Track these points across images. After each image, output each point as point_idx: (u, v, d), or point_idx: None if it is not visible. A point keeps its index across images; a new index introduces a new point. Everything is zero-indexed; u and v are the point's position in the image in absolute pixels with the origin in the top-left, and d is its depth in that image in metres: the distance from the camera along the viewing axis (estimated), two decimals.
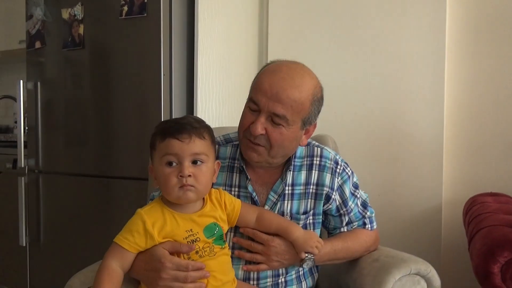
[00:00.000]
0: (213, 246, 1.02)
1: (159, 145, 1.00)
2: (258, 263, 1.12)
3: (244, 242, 1.13)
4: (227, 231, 1.13)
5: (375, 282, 1.14)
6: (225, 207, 1.07)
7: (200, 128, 1.01)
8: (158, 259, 0.97)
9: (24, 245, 2.25)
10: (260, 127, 1.05)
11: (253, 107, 1.08)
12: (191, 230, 1.00)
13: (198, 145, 0.99)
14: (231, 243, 1.14)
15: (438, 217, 1.98)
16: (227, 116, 2.05)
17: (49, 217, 2.20)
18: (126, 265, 1.00)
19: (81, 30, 1.99)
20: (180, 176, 0.97)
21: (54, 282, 2.12)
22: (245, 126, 1.09)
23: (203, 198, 1.06)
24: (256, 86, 1.09)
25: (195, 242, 1.00)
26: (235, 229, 1.14)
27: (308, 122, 1.12)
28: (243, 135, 1.11)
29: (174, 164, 0.98)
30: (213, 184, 1.10)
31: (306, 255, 1.11)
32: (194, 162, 0.99)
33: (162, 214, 1.01)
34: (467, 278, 1.78)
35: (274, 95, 1.04)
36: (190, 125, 1.00)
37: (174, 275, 0.96)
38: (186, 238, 1.00)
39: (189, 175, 0.97)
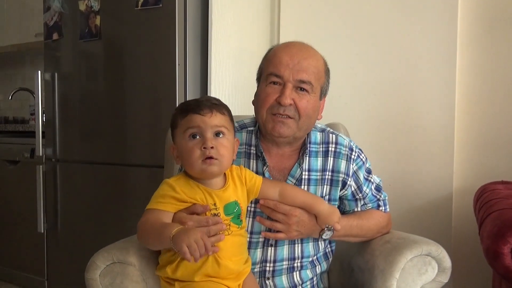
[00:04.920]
0: (230, 224, 1.04)
1: (180, 122, 1.03)
2: (277, 232, 1.13)
3: (266, 209, 1.13)
4: (249, 205, 1.14)
5: (387, 262, 1.17)
6: (246, 182, 1.10)
7: (220, 105, 1.06)
8: (179, 220, 1.00)
9: (42, 231, 2.32)
10: (289, 97, 1.10)
11: (275, 79, 1.11)
12: (215, 204, 1.03)
13: (219, 118, 1.03)
14: (250, 227, 1.16)
15: (449, 206, 1.99)
16: (240, 105, 2.08)
17: (66, 204, 2.26)
18: None
19: (97, 21, 2.03)
20: (204, 148, 1.00)
21: (71, 267, 2.17)
22: (269, 102, 1.12)
23: (225, 176, 1.08)
24: (275, 62, 1.12)
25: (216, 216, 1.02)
26: (256, 202, 1.15)
27: (324, 92, 1.18)
28: (268, 112, 1.13)
29: (197, 137, 1.01)
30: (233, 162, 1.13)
31: (327, 225, 1.14)
32: (216, 135, 1.02)
33: (189, 185, 1.04)
34: (477, 263, 1.81)
35: (296, 64, 1.10)
36: (210, 101, 1.05)
37: None
38: (210, 210, 1.02)
39: (212, 147, 1.00)
